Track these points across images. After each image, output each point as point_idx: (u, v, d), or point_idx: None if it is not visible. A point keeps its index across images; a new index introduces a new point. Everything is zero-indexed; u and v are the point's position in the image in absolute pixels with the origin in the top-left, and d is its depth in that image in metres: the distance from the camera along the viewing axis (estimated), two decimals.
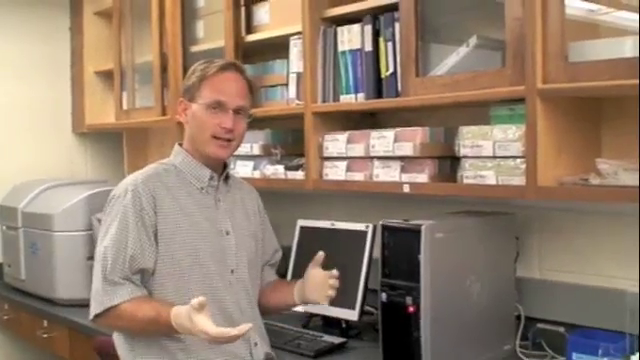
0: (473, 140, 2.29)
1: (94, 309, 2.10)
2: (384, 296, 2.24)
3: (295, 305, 2.39)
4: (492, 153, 2.24)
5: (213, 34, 3.28)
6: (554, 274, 2.51)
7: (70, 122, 4.35)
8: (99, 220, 3.19)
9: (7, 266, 3.82)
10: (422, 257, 2.13)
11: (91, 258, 3.25)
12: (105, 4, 4.07)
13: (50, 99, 4.25)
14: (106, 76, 4.15)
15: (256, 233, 2.35)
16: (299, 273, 2.80)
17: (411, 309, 2.15)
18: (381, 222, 2.27)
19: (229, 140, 2.14)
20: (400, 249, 2.21)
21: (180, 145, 2.23)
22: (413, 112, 2.71)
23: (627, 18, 2.13)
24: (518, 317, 2.50)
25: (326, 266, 2.74)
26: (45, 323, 3.44)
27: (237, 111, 2.13)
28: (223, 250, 2.18)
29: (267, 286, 2.42)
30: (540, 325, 2.42)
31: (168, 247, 2.09)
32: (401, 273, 2.20)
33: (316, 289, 2.28)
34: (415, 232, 2.15)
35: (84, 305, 3.30)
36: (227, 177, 2.28)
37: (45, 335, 3.42)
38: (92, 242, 3.28)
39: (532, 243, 2.55)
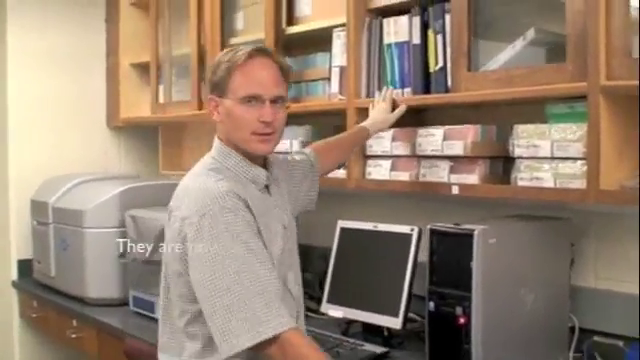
0: (529, 140, 2.15)
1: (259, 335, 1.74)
2: (432, 305, 2.11)
3: (369, 137, 2.53)
4: (550, 154, 2.10)
5: (253, 26, 3.18)
6: (611, 283, 2.36)
7: (105, 115, 4.28)
8: (132, 217, 3.16)
9: (37, 262, 3.76)
10: (474, 264, 2.00)
11: (123, 256, 3.24)
12: None
13: (84, 92, 4.18)
14: (142, 69, 4.07)
15: (296, 206, 2.22)
16: (338, 278, 2.70)
17: (462, 320, 2.02)
18: (429, 226, 2.14)
19: (270, 133, 1.97)
20: (450, 255, 2.09)
21: (221, 141, 2.00)
22: (461, 109, 2.58)
23: None
24: (572, 328, 2.35)
25: (367, 270, 2.63)
26: (74, 322, 3.37)
27: (274, 101, 1.94)
28: (283, 247, 2.01)
29: (324, 148, 2.41)
30: (596, 338, 2.26)
31: None
32: (451, 281, 2.07)
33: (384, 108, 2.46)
34: (467, 237, 2.02)
35: (115, 305, 3.29)
36: (270, 168, 2.09)
37: (74, 335, 3.35)
38: (124, 239, 3.20)
39: (588, 250, 2.40)
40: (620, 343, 2.20)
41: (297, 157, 2.30)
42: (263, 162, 2.02)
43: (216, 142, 2.01)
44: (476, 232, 2.01)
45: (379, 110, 2.53)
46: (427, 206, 2.75)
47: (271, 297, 1.75)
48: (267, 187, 2.01)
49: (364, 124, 2.52)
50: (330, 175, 2.77)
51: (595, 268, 2.40)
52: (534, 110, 2.25)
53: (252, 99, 1.92)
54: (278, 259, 1.92)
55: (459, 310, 2.03)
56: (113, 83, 4.19)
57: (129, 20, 4.12)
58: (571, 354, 2.32)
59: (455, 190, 2.32)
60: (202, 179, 1.89)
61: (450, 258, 2.08)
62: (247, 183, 1.94)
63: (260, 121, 1.92)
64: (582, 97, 2.02)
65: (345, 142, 2.52)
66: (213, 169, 1.93)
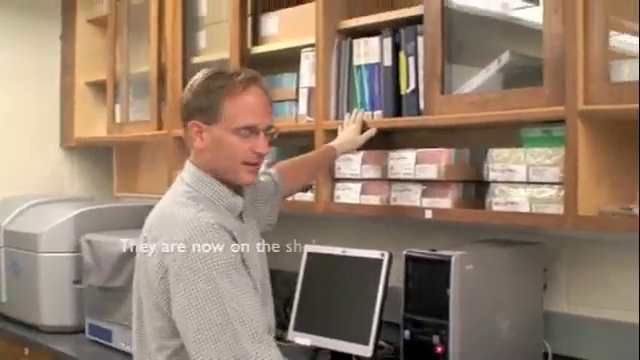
0: (504, 164, 2.12)
1: None
2: (407, 333, 2.06)
3: (336, 158, 2.48)
4: (526, 178, 2.07)
5: (216, 45, 3.11)
6: (584, 309, 2.34)
7: (58, 135, 4.16)
8: (88, 242, 3.05)
9: None
10: (451, 291, 1.96)
11: (78, 282, 3.12)
12: (99, 11, 3.91)
13: (38, 111, 4.06)
14: (98, 87, 3.98)
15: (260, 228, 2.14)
16: (305, 304, 2.63)
17: (439, 349, 1.97)
18: (405, 252, 2.09)
19: (258, 163, 1.90)
20: (426, 282, 2.04)
21: (197, 167, 1.88)
22: (433, 133, 2.54)
23: None
24: (545, 354, 2.32)
25: (336, 296, 2.56)
26: (26, 351, 3.21)
27: (266, 131, 1.87)
28: (265, 272, 1.97)
29: (289, 169, 2.35)
30: None
31: None
32: (427, 308, 2.02)
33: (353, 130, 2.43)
34: (444, 263, 1.97)
35: (69, 332, 3.17)
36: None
37: None
38: (80, 265, 3.09)
39: (560, 275, 2.38)
40: None
41: (262, 178, 2.22)
42: (238, 189, 1.94)
43: (191, 168, 1.88)
44: (453, 258, 1.96)
45: (348, 131, 2.49)
46: (398, 231, 2.70)
47: (259, 331, 1.68)
48: (240, 214, 1.93)
49: (332, 144, 2.48)
50: (297, 198, 2.72)
51: (568, 294, 2.38)
52: (508, 134, 2.23)
53: (248, 129, 1.83)
54: (261, 284, 1.85)
55: (436, 339, 1.98)
56: (68, 102, 4.09)
57: (85, 38, 4.03)
58: None
59: (428, 214, 2.28)
60: (183, 209, 1.78)
61: (426, 285, 2.04)
62: (224, 212, 1.85)
63: (254, 152, 1.85)
64: (559, 121, 2.00)
65: (312, 162, 2.46)
66: (191, 198, 1.82)
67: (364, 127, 2.49)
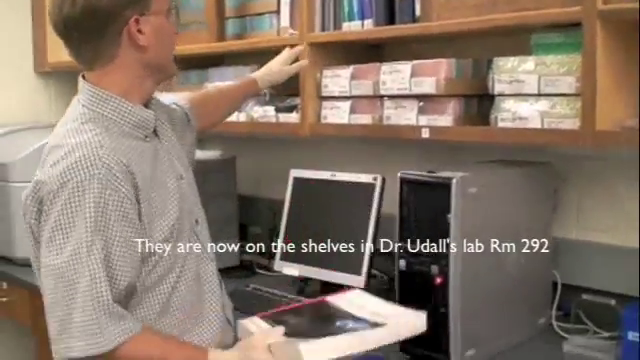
0: (512, 74, 1.88)
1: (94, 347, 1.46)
2: (403, 263, 1.85)
3: (258, 91, 2.25)
4: (537, 90, 1.84)
5: None
6: (595, 234, 2.13)
7: (32, 60, 3.93)
8: None
9: None
10: (452, 217, 1.74)
11: None
12: None
13: (8, 35, 3.81)
14: None
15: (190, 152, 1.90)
16: (293, 233, 2.45)
17: (438, 280, 1.76)
18: (400, 174, 1.87)
19: None
20: (423, 207, 1.82)
21: (92, 84, 1.57)
22: (430, 43, 2.30)
23: None
24: (555, 285, 2.13)
25: (325, 224, 2.37)
26: (4, 285, 3.08)
27: None
28: (186, 200, 1.69)
29: (201, 101, 2.06)
30: (585, 296, 2.03)
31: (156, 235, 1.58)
32: (425, 236, 1.81)
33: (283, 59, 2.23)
34: (444, 186, 1.75)
35: None
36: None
37: (4, 299, 3.06)
38: None
39: (570, 197, 2.17)
40: (612, 301, 1.96)
41: (172, 106, 1.93)
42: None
43: (85, 86, 1.59)
44: (454, 180, 1.74)
45: (276, 60, 2.26)
46: (392, 153, 2.48)
47: (102, 300, 1.45)
48: (155, 131, 1.66)
49: (254, 75, 2.24)
50: (281, 120, 2.49)
51: (578, 218, 2.17)
52: (515, 41, 2.00)
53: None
54: (176, 224, 1.60)
55: (435, 269, 1.78)
56: (39, 24, 3.83)
57: None
58: (553, 313, 2.11)
59: (425, 133, 2.05)
60: (72, 135, 1.51)
61: (424, 210, 1.82)
62: (130, 132, 1.58)
63: (175, 34, 1.66)
64: (573, 25, 1.77)
65: (228, 95, 2.21)
66: (88, 121, 1.54)
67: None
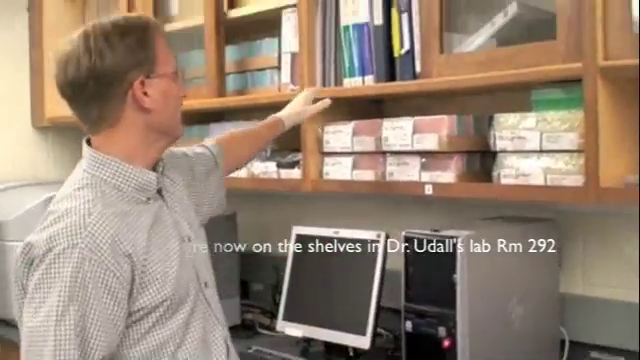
0: (513, 131, 1.87)
1: None
2: (409, 325, 1.83)
3: (283, 130, 2.15)
4: (539, 146, 1.83)
5: (189, 10, 2.88)
6: (602, 290, 2.10)
7: (29, 115, 3.91)
8: None
9: None
10: (458, 276, 1.73)
11: None
12: None
13: (6, 89, 3.80)
14: None
15: (202, 210, 1.86)
16: (296, 291, 2.41)
17: (446, 343, 1.74)
18: (404, 233, 1.86)
19: None
20: (429, 266, 1.81)
21: (93, 149, 1.58)
22: (430, 98, 2.30)
23: None
24: (562, 342, 2.09)
25: (328, 282, 2.34)
26: None
27: None
28: (190, 263, 1.65)
29: (229, 141, 2.05)
30: (594, 354, 2.00)
31: (147, 299, 1.54)
32: (431, 296, 1.79)
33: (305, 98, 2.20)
34: (449, 245, 1.73)
35: None
36: (163, 167, 1.70)
37: None
38: None
39: (575, 254, 2.14)
40: (620, 359, 1.93)
41: (198, 150, 1.93)
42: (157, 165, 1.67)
43: (87, 151, 1.59)
44: (460, 239, 1.73)
45: (297, 101, 2.24)
46: (395, 209, 2.46)
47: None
48: (160, 192, 1.64)
49: (279, 115, 2.20)
50: (283, 176, 2.48)
51: (584, 274, 2.15)
52: (515, 98, 2.01)
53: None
54: (176, 289, 1.56)
55: (442, 331, 1.76)
56: (37, 79, 3.82)
57: (54, 8, 3.76)
58: None
59: (429, 190, 2.03)
60: (66, 200, 1.51)
61: (429, 269, 1.81)
62: (132, 195, 1.57)
63: (182, 97, 1.65)
64: (572, 81, 1.77)
65: (255, 136, 2.17)
66: (84, 187, 1.53)
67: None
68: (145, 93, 1.54)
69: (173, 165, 1.74)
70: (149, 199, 1.60)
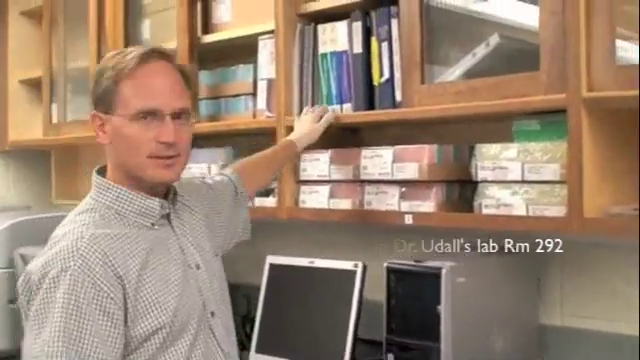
0: (494, 161, 1.87)
1: None
2: (391, 358, 1.79)
3: (298, 153, 2.23)
4: (520, 177, 1.82)
5: (162, 35, 2.85)
6: (580, 321, 2.09)
7: None
8: (22, 256, 2.74)
9: None
10: (443, 308, 1.70)
11: (12, 302, 2.82)
12: (34, 2, 3.67)
13: None
14: (33, 85, 3.74)
15: (217, 240, 1.84)
16: (269, 323, 2.37)
17: None
18: (386, 264, 1.83)
19: (173, 156, 1.58)
20: (412, 298, 1.78)
21: (101, 174, 1.63)
22: (410, 128, 2.28)
23: None
24: None
25: (303, 313, 2.29)
26: None
27: (176, 116, 1.57)
28: (193, 291, 1.63)
29: (244, 168, 2.06)
30: None
31: (143, 325, 1.53)
32: (414, 329, 1.77)
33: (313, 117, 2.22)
34: (433, 276, 1.71)
35: (3, 358, 2.86)
36: (175, 194, 1.70)
37: None
38: (14, 282, 2.76)
39: (554, 284, 2.13)
40: None
41: (217, 178, 1.96)
42: (165, 190, 1.66)
43: (95, 178, 1.63)
44: (444, 270, 1.71)
45: (305, 121, 2.24)
46: (372, 238, 2.42)
47: None
48: (168, 217, 1.64)
49: (291, 137, 2.21)
50: (257, 204, 2.44)
51: (562, 305, 2.14)
52: (496, 128, 2.00)
53: (148, 115, 1.55)
54: (175, 316, 1.55)
55: None
56: (0, 102, 3.81)
57: (19, 31, 3.79)
58: None
59: (409, 220, 2.01)
60: (64, 226, 1.56)
61: (412, 301, 1.78)
62: (135, 220, 1.58)
63: (159, 142, 1.56)
64: (555, 112, 1.77)
65: (271, 160, 2.18)
66: (85, 211, 1.57)
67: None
68: (101, 128, 1.59)
69: (191, 192, 1.76)
70: (154, 224, 1.61)
